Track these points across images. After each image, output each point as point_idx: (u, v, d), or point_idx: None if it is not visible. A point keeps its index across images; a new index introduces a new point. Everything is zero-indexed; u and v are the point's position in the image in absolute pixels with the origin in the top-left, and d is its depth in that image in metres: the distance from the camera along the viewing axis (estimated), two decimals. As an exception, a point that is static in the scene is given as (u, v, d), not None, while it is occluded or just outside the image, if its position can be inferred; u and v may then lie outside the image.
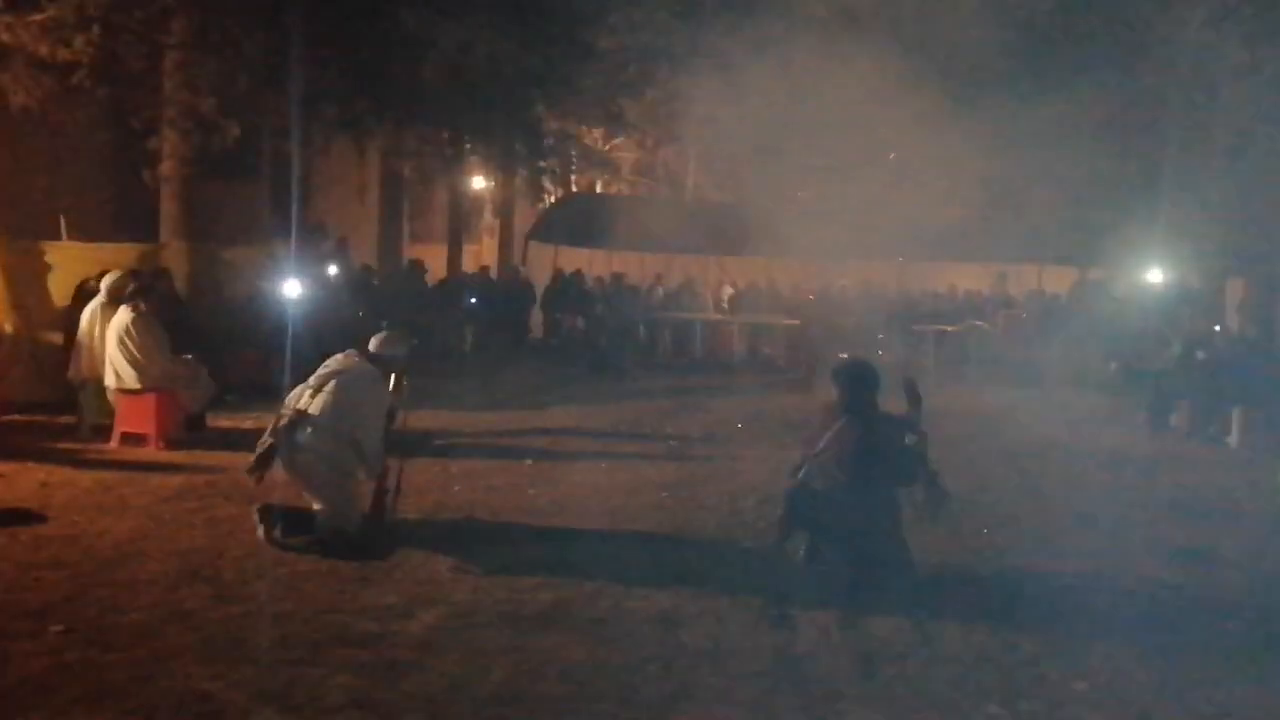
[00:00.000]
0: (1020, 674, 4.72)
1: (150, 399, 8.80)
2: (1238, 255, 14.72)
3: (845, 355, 6.74)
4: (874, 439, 5.92)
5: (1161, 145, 14.78)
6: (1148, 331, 14.11)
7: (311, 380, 6.51)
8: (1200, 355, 11.50)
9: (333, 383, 6.38)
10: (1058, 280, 19.45)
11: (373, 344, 6.62)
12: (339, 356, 6.59)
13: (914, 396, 6.19)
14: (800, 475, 6.09)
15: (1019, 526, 7.28)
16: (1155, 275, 16.68)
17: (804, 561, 6.12)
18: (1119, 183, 15.30)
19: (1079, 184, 15.04)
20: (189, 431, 9.09)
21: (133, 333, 8.72)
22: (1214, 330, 12.06)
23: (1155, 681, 4.68)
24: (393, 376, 6.65)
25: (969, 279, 20.17)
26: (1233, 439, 10.79)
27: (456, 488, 7.79)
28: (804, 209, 19.94)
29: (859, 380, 6.08)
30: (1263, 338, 11.52)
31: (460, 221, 22.06)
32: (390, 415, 6.66)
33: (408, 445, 7.02)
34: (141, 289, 9.07)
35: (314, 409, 6.31)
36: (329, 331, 11.06)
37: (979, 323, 17.64)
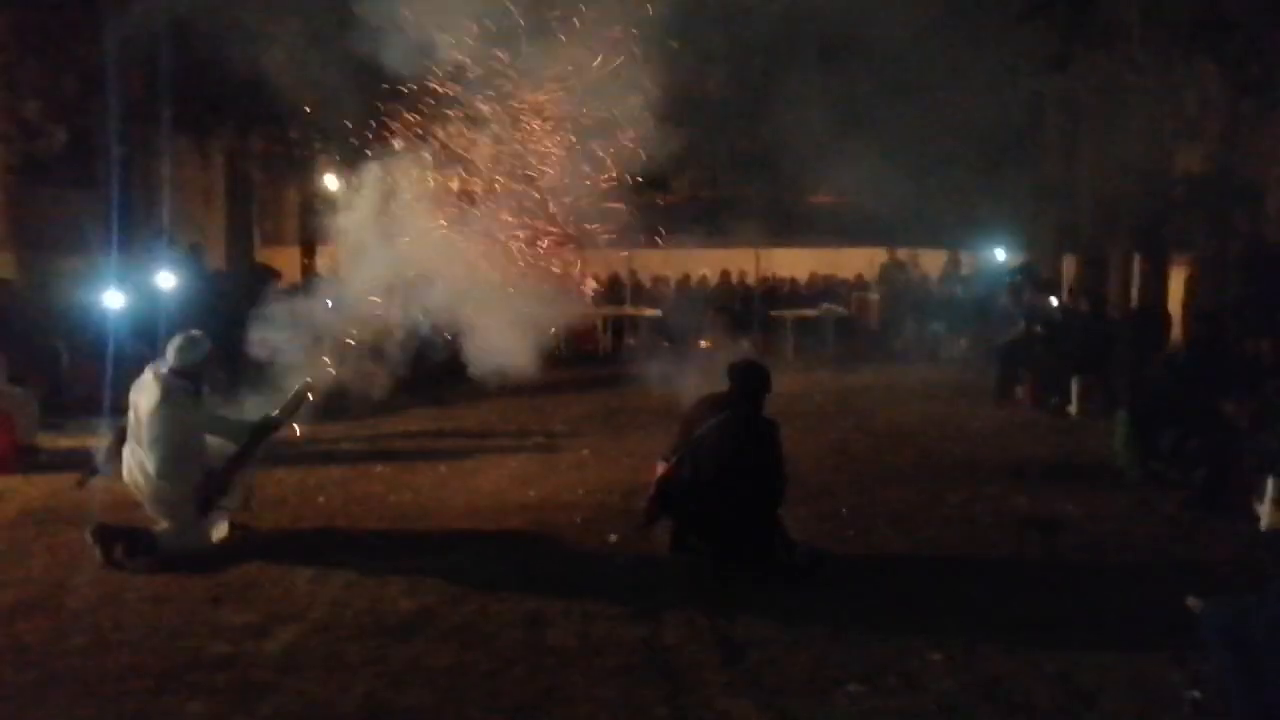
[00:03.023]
0: (879, 650, 4.85)
1: (-22, 421, 8.29)
2: (1070, 233, 15.47)
3: (745, 350, 6.76)
4: (754, 439, 6.02)
5: (1002, 130, 15.41)
6: (994, 308, 14.70)
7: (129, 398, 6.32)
8: (1039, 329, 12.04)
9: (134, 399, 6.21)
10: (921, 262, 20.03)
11: (169, 353, 6.26)
12: (144, 373, 6.31)
13: (756, 384, 6.23)
14: (673, 460, 6.15)
15: (873, 504, 7.49)
16: (1001, 254, 17.39)
17: (669, 550, 6.18)
18: (964, 166, 15.90)
19: (926, 167, 15.57)
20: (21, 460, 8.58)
21: None
22: (1051, 305, 12.63)
23: (1004, 648, 4.87)
24: (296, 394, 6.52)
25: (823, 264, 20.65)
26: (1072, 407, 11.34)
27: (320, 499, 7.57)
28: (663, 199, 20.12)
29: (752, 380, 6.17)
30: (1094, 310, 12.10)
31: (313, 223, 21.45)
32: (274, 427, 6.48)
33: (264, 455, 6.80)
34: None
35: (130, 428, 6.15)
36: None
37: (835, 306, 18.10)
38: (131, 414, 6.21)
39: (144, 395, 6.14)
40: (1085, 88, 12.09)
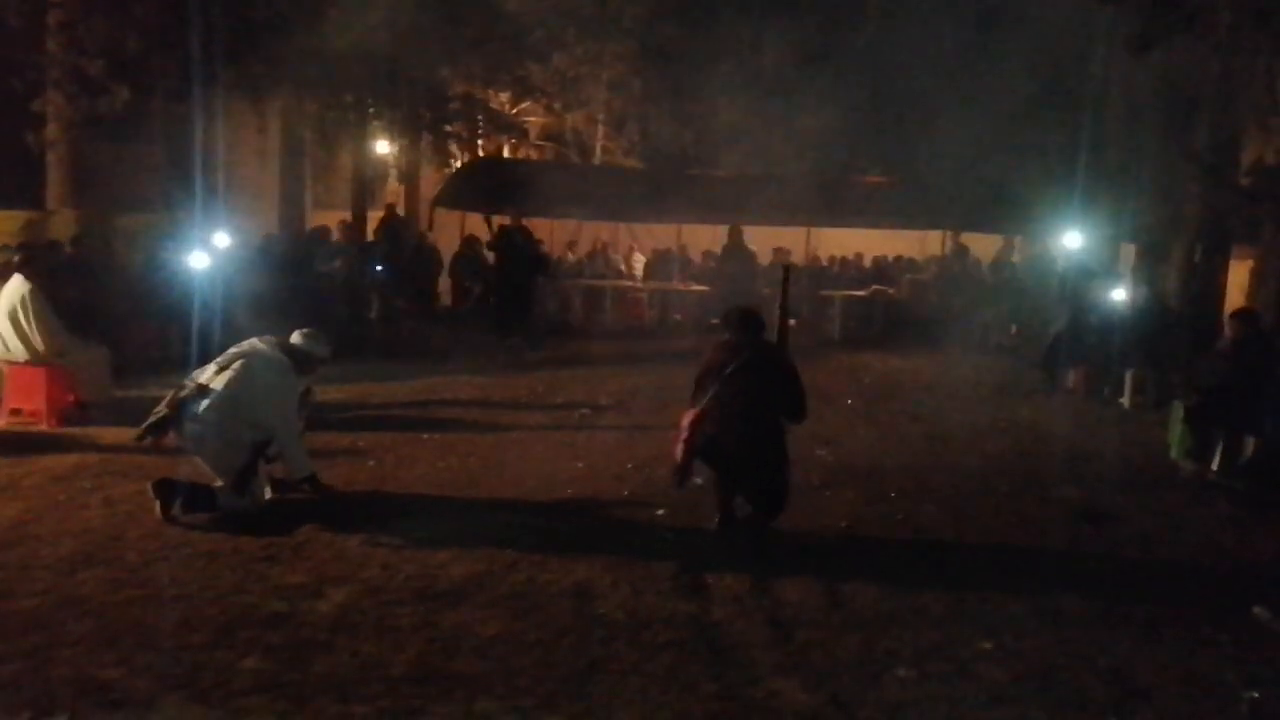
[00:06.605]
0: (929, 635, 4.83)
1: (40, 373, 8.44)
2: (1127, 221, 15.17)
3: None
4: (779, 366, 6.45)
5: (1062, 114, 15.14)
6: (1048, 296, 14.46)
7: (220, 357, 6.44)
8: (1092, 319, 11.84)
9: (240, 363, 6.33)
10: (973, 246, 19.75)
11: (295, 336, 6.61)
12: (254, 340, 6.53)
13: (757, 326, 6.55)
14: (705, 403, 6.25)
15: (921, 489, 7.43)
16: (1071, 241, 16.82)
17: (717, 525, 6.20)
18: (1024, 150, 15.64)
19: (983, 150, 15.34)
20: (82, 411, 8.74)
21: (28, 304, 8.36)
22: (1107, 293, 12.41)
23: (1057, 639, 4.83)
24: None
25: (875, 245, 20.43)
26: (1125, 399, 11.18)
27: (370, 463, 7.64)
28: (714, 175, 20.04)
29: (753, 321, 6.55)
30: (1151, 301, 11.88)
31: (364, 187, 21.56)
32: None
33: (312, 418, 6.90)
34: (31, 259, 8.68)
35: (217, 384, 6.22)
36: (237, 304, 10.69)
37: (885, 288, 17.93)
38: (218, 369, 6.31)
39: (248, 357, 6.35)
40: (1157, 73, 11.78)
